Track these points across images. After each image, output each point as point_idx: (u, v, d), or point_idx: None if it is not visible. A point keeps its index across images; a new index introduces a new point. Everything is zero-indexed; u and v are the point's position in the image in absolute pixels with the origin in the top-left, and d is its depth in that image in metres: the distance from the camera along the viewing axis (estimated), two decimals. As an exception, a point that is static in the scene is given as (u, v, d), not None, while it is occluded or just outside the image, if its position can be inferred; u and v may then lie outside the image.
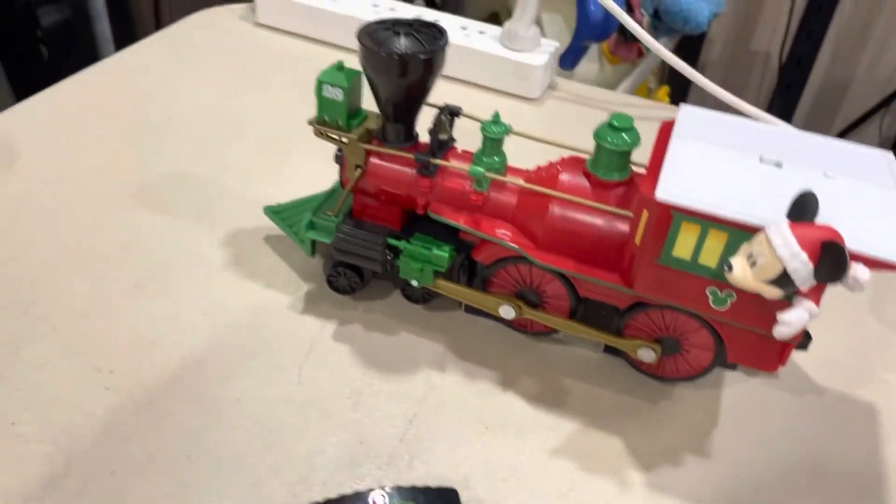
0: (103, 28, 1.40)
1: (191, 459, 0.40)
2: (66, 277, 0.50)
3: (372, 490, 0.34)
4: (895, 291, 0.55)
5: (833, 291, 0.54)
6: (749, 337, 0.41)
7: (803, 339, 0.46)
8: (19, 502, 0.37)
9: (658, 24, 1.15)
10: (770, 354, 0.41)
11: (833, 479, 0.42)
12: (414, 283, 0.46)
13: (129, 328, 0.47)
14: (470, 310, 0.49)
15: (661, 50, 0.68)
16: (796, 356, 0.49)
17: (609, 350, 0.48)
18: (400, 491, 0.35)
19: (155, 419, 0.42)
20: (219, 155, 0.63)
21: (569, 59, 0.98)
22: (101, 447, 0.40)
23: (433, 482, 0.40)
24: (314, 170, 0.58)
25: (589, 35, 0.95)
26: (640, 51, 1.26)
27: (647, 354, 0.44)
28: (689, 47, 1.72)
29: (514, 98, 0.73)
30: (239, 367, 0.45)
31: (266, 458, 0.41)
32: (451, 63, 0.71)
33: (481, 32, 0.73)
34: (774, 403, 0.46)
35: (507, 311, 0.46)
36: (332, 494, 0.39)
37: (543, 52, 0.71)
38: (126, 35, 1.35)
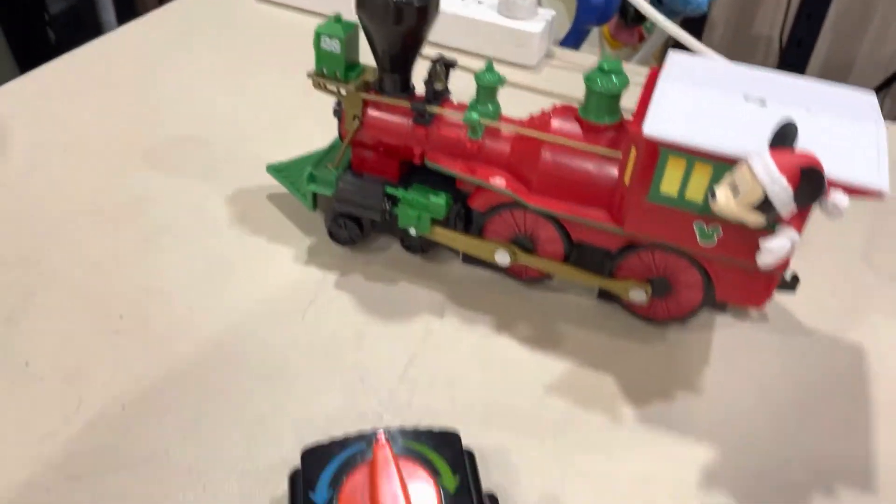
0: (109, 17, 1.43)
1: (198, 397, 0.42)
2: (78, 233, 0.51)
3: (377, 430, 0.35)
4: (886, 240, 0.57)
5: (825, 238, 0.56)
6: (736, 274, 0.42)
7: (791, 281, 0.47)
8: (34, 436, 0.39)
9: (658, 6, 1.17)
10: (756, 290, 0.43)
11: (819, 416, 0.43)
12: (412, 231, 0.48)
13: (138, 278, 0.48)
14: (468, 260, 0.51)
15: (664, 22, 0.70)
16: (786, 300, 0.50)
17: (603, 296, 0.49)
18: (403, 433, 0.35)
19: (163, 360, 0.43)
20: (223, 121, 0.64)
21: (570, 44, 0.99)
22: (111, 385, 0.42)
23: (431, 418, 0.42)
24: (316, 133, 0.59)
25: (589, 18, 0.96)
26: (642, 35, 1.27)
27: (637, 295, 0.45)
28: (690, 30, 1.71)
29: (512, 66, 0.74)
30: (245, 313, 0.47)
31: (271, 395, 0.42)
32: (449, 32, 0.73)
33: (479, 2, 0.75)
34: (764, 344, 0.47)
35: (502, 257, 0.47)
36: (336, 430, 0.40)
37: (541, 19, 0.73)
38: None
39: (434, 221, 0.48)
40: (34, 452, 0.38)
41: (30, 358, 0.43)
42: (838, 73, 1.79)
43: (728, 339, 0.48)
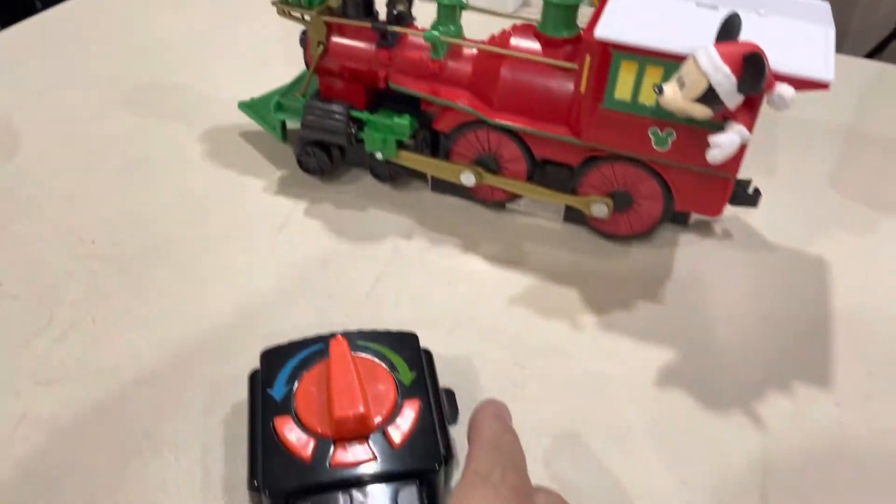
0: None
1: (167, 312, 0.43)
2: (53, 168, 0.52)
3: (334, 334, 0.35)
4: (853, 166, 0.57)
5: (791, 164, 0.56)
6: (693, 181, 0.43)
7: (753, 195, 0.47)
8: (6, 348, 0.40)
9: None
10: (713, 198, 0.43)
11: (778, 323, 0.44)
12: (378, 155, 0.49)
13: (111, 208, 0.49)
14: (437, 188, 0.52)
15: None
16: (751, 218, 0.51)
17: (570, 219, 0.50)
18: (361, 334, 0.36)
19: (135, 282, 0.44)
20: (198, 67, 0.65)
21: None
22: (82, 303, 0.43)
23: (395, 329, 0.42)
24: (287, 77, 0.60)
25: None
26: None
27: (599, 209, 0.46)
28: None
29: (487, 14, 0.74)
30: (216, 239, 0.48)
31: (241, 311, 0.43)
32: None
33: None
34: (727, 260, 0.48)
35: (467, 178, 0.48)
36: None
37: (515, -34, 0.73)
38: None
39: (400, 145, 0.48)
40: (5, 361, 0.39)
41: (3, 279, 0.44)
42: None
43: (691, 256, 0.48)
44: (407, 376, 0.34)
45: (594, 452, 0.36)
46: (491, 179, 0.48)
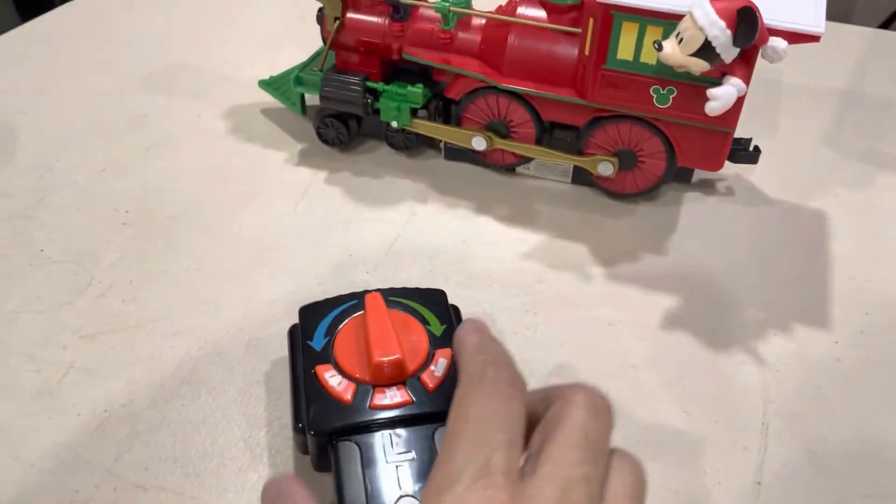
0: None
1: (199, 271, 0.45)
2: (84, 145, 0.55)
3: (367, 290, 0.37)
4: (850, 125, 0.59)
5: (792, 123, 0.58)
6: (694, 137, 0.45)
7: (753, 152, 0.49)
8: (52, 306, 0.43)
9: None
10: (714, 153, 0.45)
11: (778, 270, 0.46)
12: (394, 124, 0.51)
13: (141, 180, 0.52)
14: (449, 155, 0.54)
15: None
16: (752, 176, 0.53)
17: (577, 181, 0.52)
18: (393, 291, 0.38)
19: (166, 244, 0.47)
20: (216, 51, 0.68)
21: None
22: (119, 265, 0.45)
23: (415, 284, 0.45)
24: (304, 57, 0.62)
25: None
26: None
27: (605, 168, 0.48)
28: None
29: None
30: (240, 205, 0.50)
31: (265, 269, 0.45)
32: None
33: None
34: (730, 214, 0.50)
35: (479, 142, 0.50)
36: (326, 294, 0.43)
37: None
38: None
39: (414, 114, 0.51)
40: (51, 318, 0.42)
41: (44, 246, 0.47)
42: (841, 17, 1.79)
43: (695, 212, 0.50)
44: (438, 328, 0.36)
45: (601, 387, 0.38)
46: (502, 143, 0.50)
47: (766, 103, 0.61)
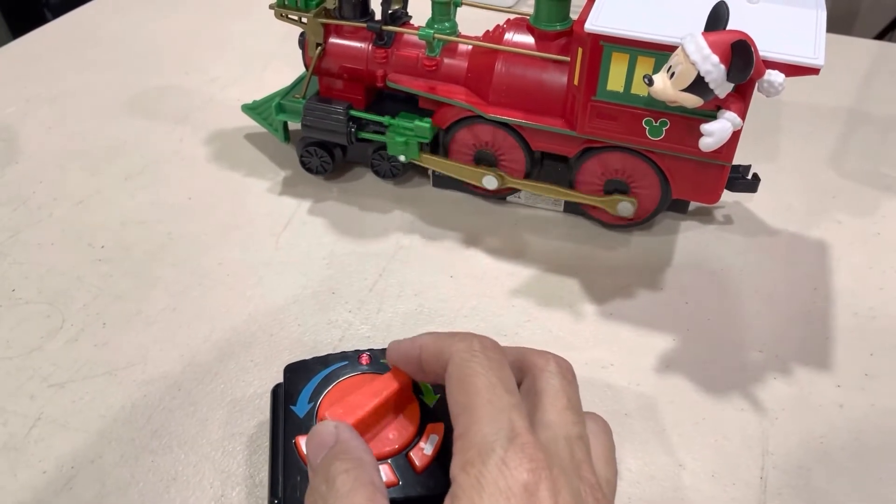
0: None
1: (175, 312, 0.43)
2: (63, 174, 0.54)
3: (358, 351, 0.35)
4: (852, 147, 0.57)
5: (792, 147, 0.56)
6: (689, 169, 0.43)
7: (752, 180, 0.48)
8: (22, 351, 0.41)
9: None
10: (710, 186, 0.44)
11: (778, 304, 0.44)
12: (402, 158, 0.49)
13: (119, 212, 0.50)
14: (438, 183, 0.52)
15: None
16: (752, 204, 0.51)
17: (569, 210, 0.50)
18: (385, 352, 0.34)
19: (143, 282, 0.45)
20: (202, 70, 0.66)
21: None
22: (93, 306, 0.44)
23: (399, 323, 0.43)
24: (289, 80, 0.61)
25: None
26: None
27: (625, 209, 0.46)
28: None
29: (488, 10, 0.75)
30: (220, 238, 0.49)
31: (245, 309, 0.44)
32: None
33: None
34: (728, 244, 0.48)
35: (489, 182, 0.48)
36: (307, 336, 0.42)
37: (513, -40, 0.73)
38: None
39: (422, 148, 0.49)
40: (21, 365, 0.40)
41: (16, 286, 0.45)
42: (845, 20, 1.76)
43: (692, 242, 0.48)
44: (431, 398, 0.33)
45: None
46: (512, 182, 0.48)
47: (765, 124, 0.59)
